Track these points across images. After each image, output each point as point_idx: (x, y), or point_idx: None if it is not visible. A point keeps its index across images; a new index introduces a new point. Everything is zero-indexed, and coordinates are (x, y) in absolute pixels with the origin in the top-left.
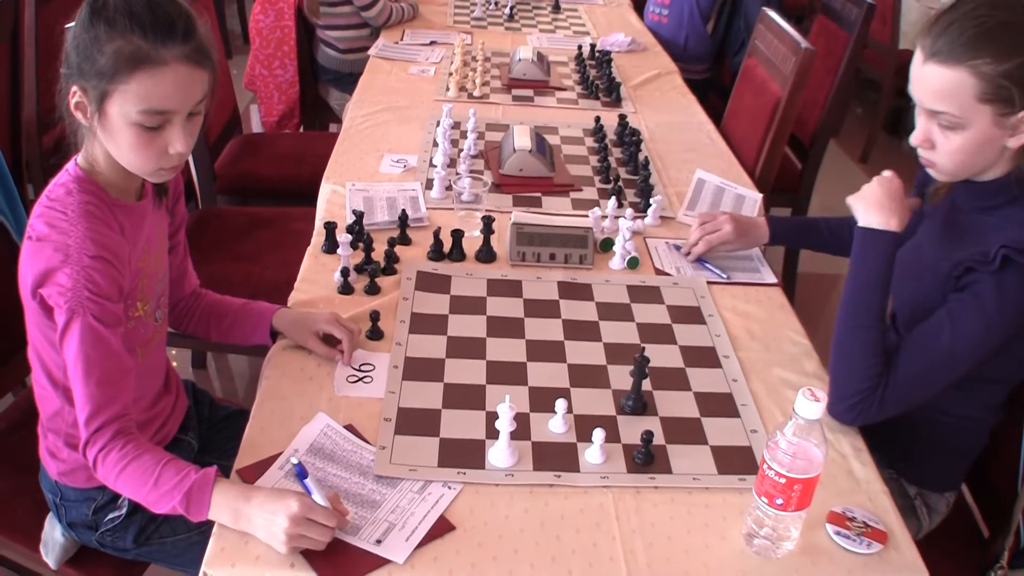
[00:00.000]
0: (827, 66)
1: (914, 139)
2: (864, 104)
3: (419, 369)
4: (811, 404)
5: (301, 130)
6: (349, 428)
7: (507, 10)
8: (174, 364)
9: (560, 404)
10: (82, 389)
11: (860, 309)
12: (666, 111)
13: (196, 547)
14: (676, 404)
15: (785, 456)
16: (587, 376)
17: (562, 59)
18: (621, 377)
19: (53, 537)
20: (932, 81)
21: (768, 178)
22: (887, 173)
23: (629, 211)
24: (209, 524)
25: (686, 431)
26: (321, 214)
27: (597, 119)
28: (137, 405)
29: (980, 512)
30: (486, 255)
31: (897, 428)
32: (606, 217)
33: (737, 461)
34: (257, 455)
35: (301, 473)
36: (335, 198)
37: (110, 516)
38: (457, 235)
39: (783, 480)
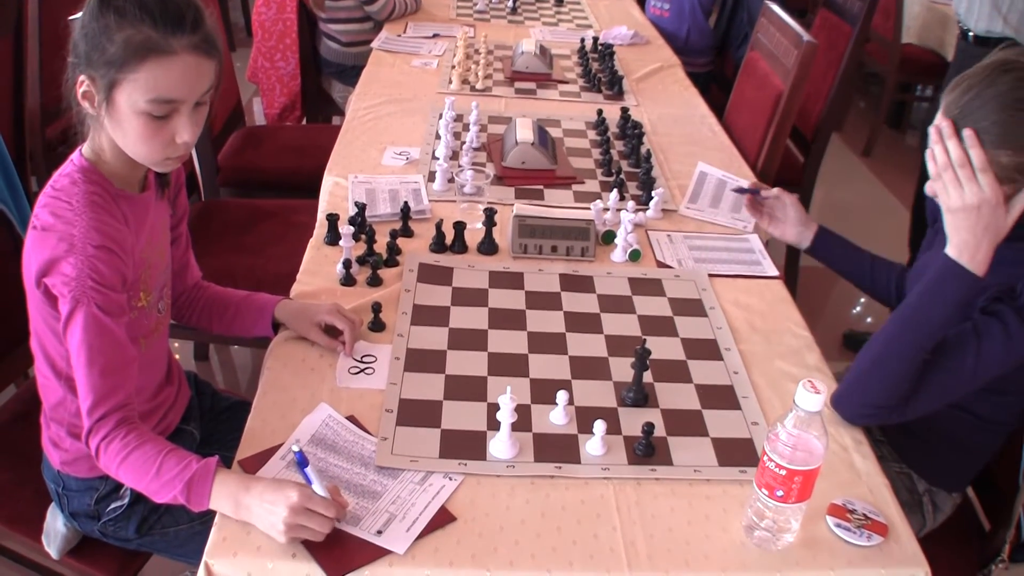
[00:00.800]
0: (829, 60)
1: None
2: (867, 98)
3: (421, 360)
4: (811, 396)
5: (304, 122)
6: (351, 419)
7: (510, 3)
8: (176, 357)
9: (561, 396)
10: (85, 378)
11: (919, 337)
12: (668, 104)
13: (198, 537)
14: (677, 396)
15: (785, 448)
16: (588, 368)
17: (565, 52)
18: (622, 369)
19: (55, 527)
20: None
21: (770, 171)
22: (999, 207)
23: (631, 204)
24: (211, 514)
25: (687, 423)
26: (323, 206)
27: (599, 112)
28: (139, 395)
29: (981, 506)
30: (488, 247)
31: (919, 424)
32: (608, 210)
33: (738, 453)
34: (259, 446)
35: (302, 461)
36: (337, 190)
37: (112, 506)
38: (459, 227)
39: (783, 472)
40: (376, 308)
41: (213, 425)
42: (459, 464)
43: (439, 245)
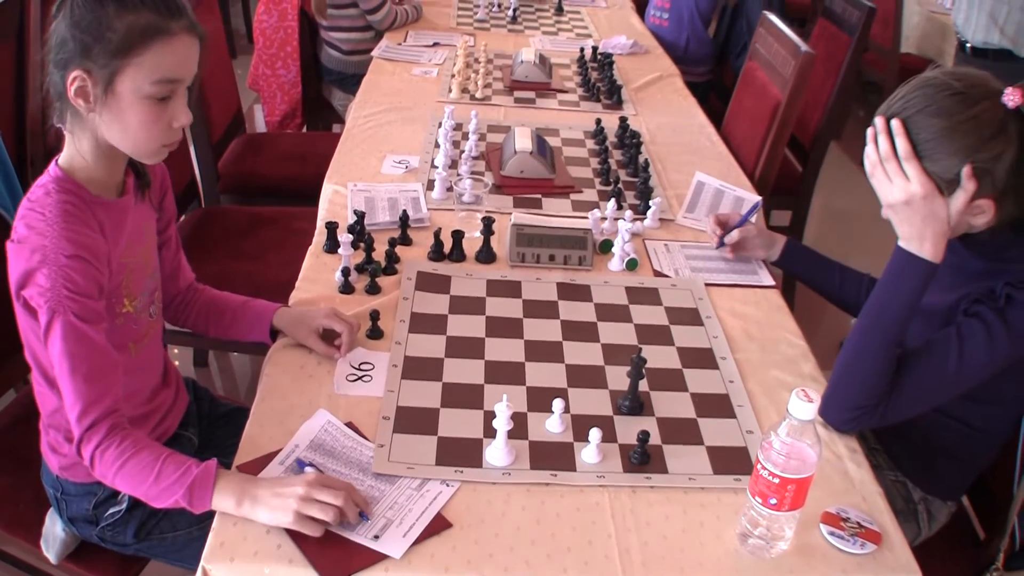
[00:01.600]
0: (828, 69)
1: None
2: (866, 107)
3: (418, 368)
4: (805, 405)
5: (304, 130)
6: (349, 426)
7: (510, 12)
8: (176, 363)
9: (557, 404)
10: (70, 386)
11: (884, 329)
12: (667, 114)
13: (196, 543)
14: (673, 405)
15: (779, 456)
16: (585, 376)
17: (564, 61)
18: (618, 378)
19: (54, 532)
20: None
21: (767, 180)
22: (935, 197)
23: (628, 213)
24: (209, 520)
25: (682, 431)
26: (323, 214)
27: (598, 121)
28: (134, 399)
29: (976, 514)
30: (486, 256)
31: (913, 432)
32: (605, 219)
33: (733, 461)
34: (257, 452)
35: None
36: (337, 198)
37: (110, 511)
38: (457, 236)
39: (777, 480)
40: (374, 316)
41: (211, 431)
42: (455, 471)
43: (437, 253)
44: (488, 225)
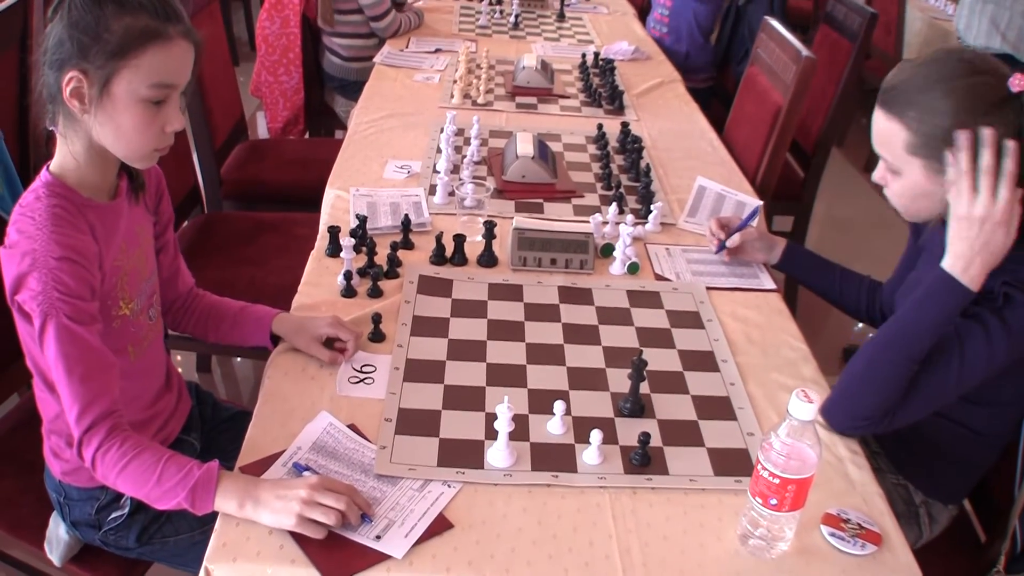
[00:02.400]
0: (830, 75)
1: (875, 176)
2: (869, 113)
3: (420, 371)
4: (804, 405)
5: (306, 136)
6: (351, 427)
7: (512, 18)
8: (180, 370)
9: (559, 406)
10: (67, 388)
11: (909, 348)
12: (668, 119)
13: (198, 546)
14: (674, 407)
15: (779, 457)
16: (586, 379)
17: (566, 67)
18: (620, 380)
19: (57, 535)
20: (875, 124)
21: (769, 186)
22: (1002, 225)
23: (630, 217)
24: (211, 523)
25: (683, 433)
26: (325, 219)
27: (600, 126)
28: (135, 404)
29: (977, 517)
30: (488, 260)
31: (914, 436)
32: (607, 223)
33: (733, 463)
34: (259, 454)
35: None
36: (339, 203)
37: (113, 515)
38: (459, 240)
39: (777, 481)
40: (376, 319)
41: (213, 435)
42: (457, 472)
43: (439, 257)
44: (490, 229)
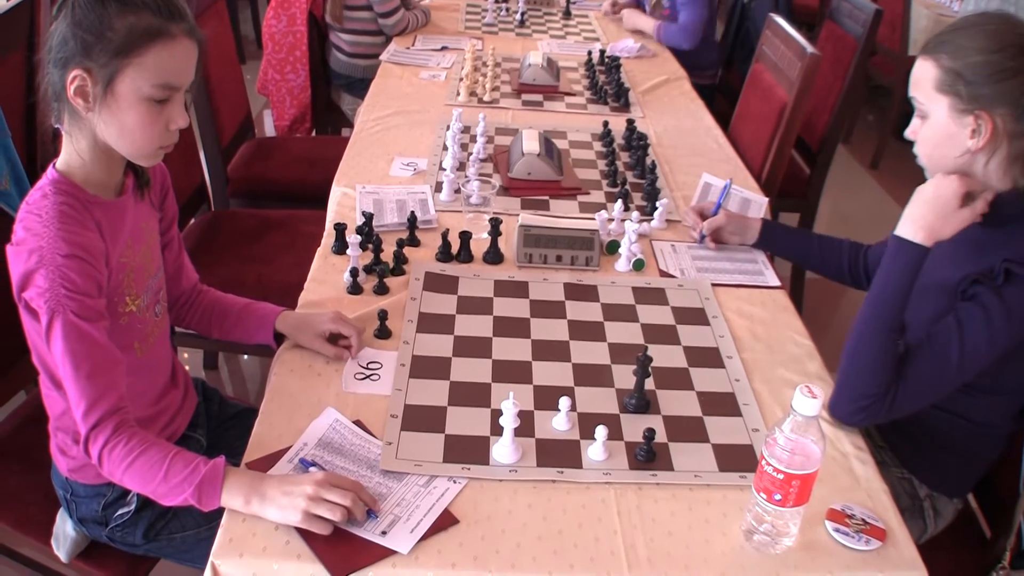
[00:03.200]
0: (835, 72)
1: (907, 131)
2: (875, 111)
3: (426, 367)
4: (809, 401)
5: (313, 134)
6: (357, 423)
7: (518, 16)
8: (187, 368)
9: (564, 402)
10: (74, 384)
11: (881, 317)
12: (674, 116)
13: (205, 543)
14: (679, 403)
15: (783, 452)
16: (591, 375)
17: (572, 64)
18: (625, 376)
19: (64, 531)
20: (914, 70)
21: (774, 182)
22: (947, 178)
23: (635, 214)
24: (217, 520)
25: (688, 429)
26: (331, 216)
27: (605, 124)
28: (142, 400)
29: (982, 513)
30: (493, 256)
31: (917, 429)
32: (612, 220)
33: (738, 459)
34: (265, 450)
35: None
36: (345, 200)
37: (119, 512)
38: (465, 237)
39: (781, 476)
40: (382, 316)
41: (220, 432)
42: (462, 468)
43: (445, 254)
44: (495, 226)
